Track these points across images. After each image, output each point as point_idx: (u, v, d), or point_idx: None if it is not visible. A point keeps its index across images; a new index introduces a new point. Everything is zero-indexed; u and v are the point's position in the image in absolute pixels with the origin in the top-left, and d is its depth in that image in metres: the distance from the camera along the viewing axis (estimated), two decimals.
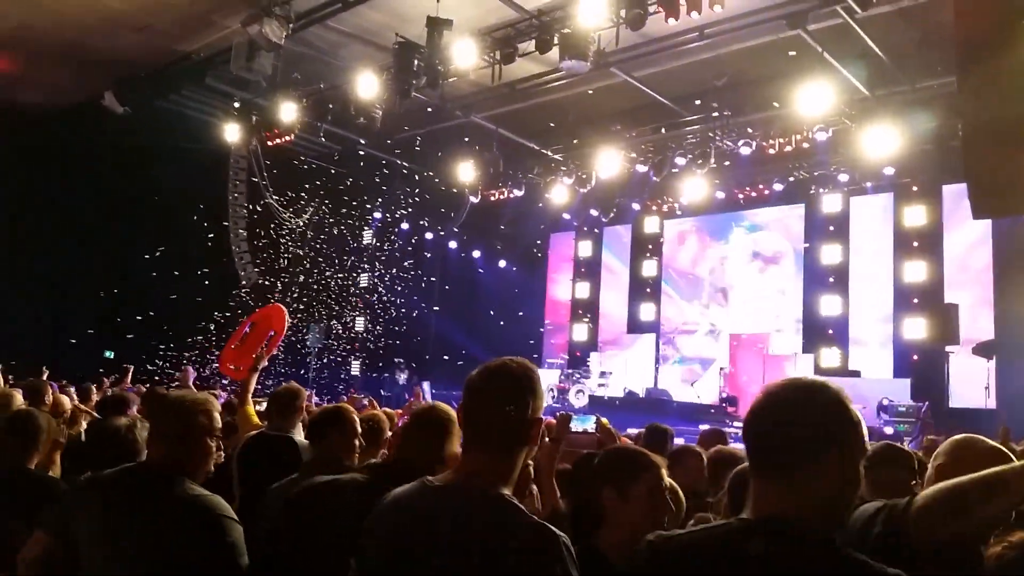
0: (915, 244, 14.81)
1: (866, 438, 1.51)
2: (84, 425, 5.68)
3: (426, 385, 15.24)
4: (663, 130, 13.71)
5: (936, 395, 12.98)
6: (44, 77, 13.46)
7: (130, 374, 10.75)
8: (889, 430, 12.17)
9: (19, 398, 5.06)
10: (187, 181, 13.93)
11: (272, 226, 15.95)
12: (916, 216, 14.80)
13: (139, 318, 14.17)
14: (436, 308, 19.48)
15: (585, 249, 20.29)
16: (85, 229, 14.70)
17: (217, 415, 2.46)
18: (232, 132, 13.46)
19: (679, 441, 5.43)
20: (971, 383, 13.03)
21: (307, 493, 2.38)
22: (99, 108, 12.71)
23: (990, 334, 13.29)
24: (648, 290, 19.05)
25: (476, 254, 20.44)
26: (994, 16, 7.10)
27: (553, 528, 1.59)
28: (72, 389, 6.87)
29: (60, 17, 11.36)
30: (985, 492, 1.49)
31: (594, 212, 18.23)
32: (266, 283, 16.46)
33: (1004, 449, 2.00)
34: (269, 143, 13.70)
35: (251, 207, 15.62)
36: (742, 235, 17.66)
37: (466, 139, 14.43)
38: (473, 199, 15.88)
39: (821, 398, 1.48)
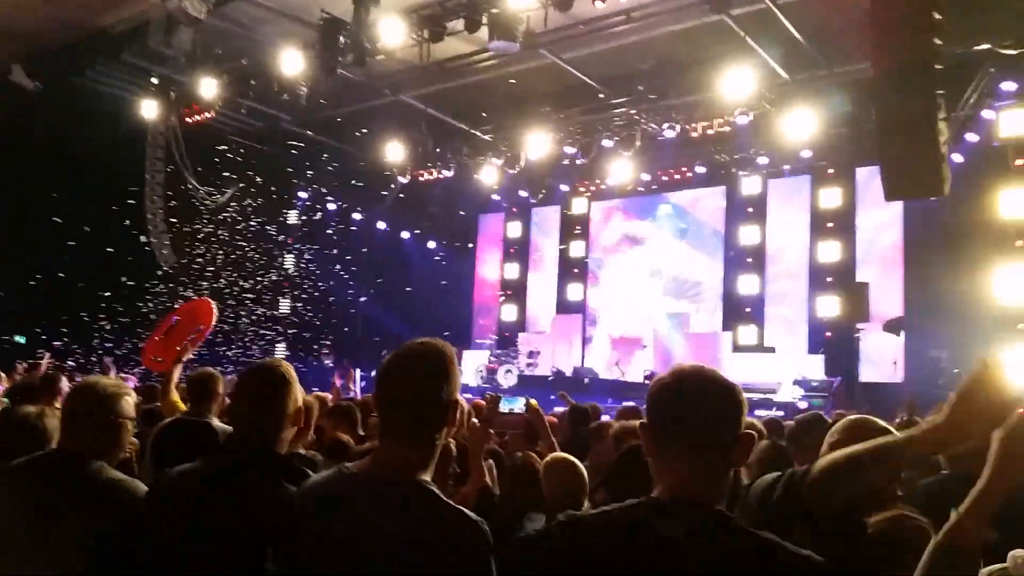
0: (829, 225, 15.40)
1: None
2: None
3: (358, 372, 15.08)
4: (591, 112, 13.84)
5: (848, 370, 13.58)
6: None
7: (45, 361, 10.32)
8: (803, 404, 12.68)
9: None
10: (103, 160, 13.39)
11: (192, 207, 15.47)
12: (831, 198, 15.37)
13: (51, 303, 13.63)
14: (365, 292, 19.28)
15: (514, 230, 20.38)
16: None
17: (132, 401, 2.43)
18: (150, 109, 12.99)
19: (605, 419, 5.57)
20: (881, 359, 13.70)
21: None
22: (6, 83, 12.08)
23: (899, 311, 13.97)
24: (576, 271, 19.28)
25: (405, 235, 20.28)
26: (910, 4, 7.42)
27: (472, 514, 1.61)
28: None
29: None
30: (875, 459, 1.58)
31: (523, 193, 18.31)
32: (185, 265, 16.00)
33: (891, 429, 2.13)
34: (188, 120, 13.28)
35: (169, 187, 15.11)
36: (665, 216, 18.02)
37: (394, 118, 14.27)
38: (402, 179, 15.75)
39: (726, 383, 1.56)
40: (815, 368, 14.24)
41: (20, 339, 14.49)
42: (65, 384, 5.62)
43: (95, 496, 2.19)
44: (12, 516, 2.20)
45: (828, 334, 14.83)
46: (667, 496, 1.49)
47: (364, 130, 15.01)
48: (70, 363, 12.90)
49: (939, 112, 7.47)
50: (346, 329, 18.77)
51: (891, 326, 13.35)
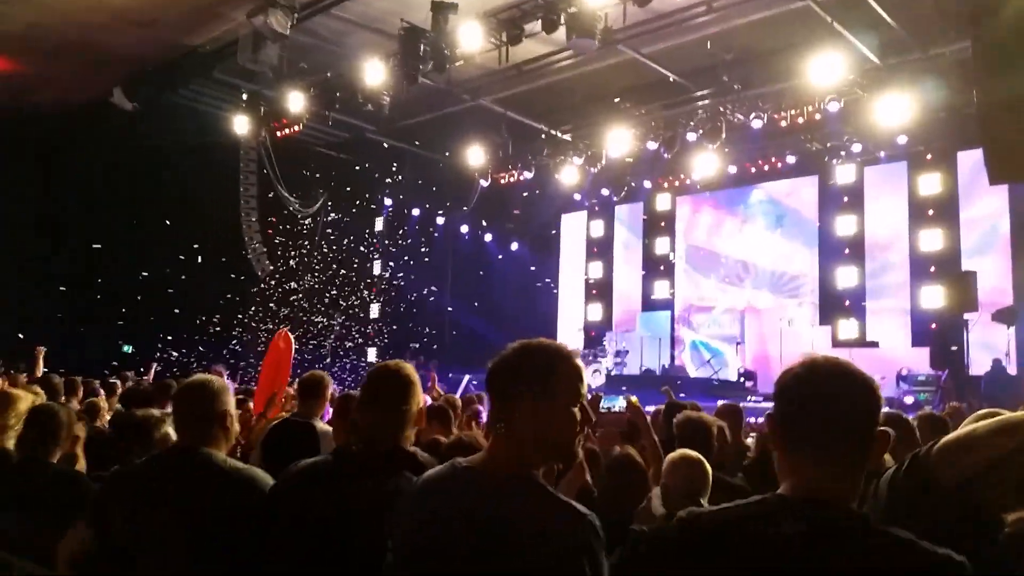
0: (930, 212, 14.67)
1: None
2: (107, 418, 5.77)
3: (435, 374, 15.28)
4: (673, 106, 13.60)
5: (956, 363, 12.90)
6: (53, 77, 13.50)
7: (153, 369, 10.84)
8: (909, 399, 12.14)
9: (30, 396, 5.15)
10: (198, 175, 14.01)
11: (284, 217, 16.01)
12: (931, 184, 14.65)
13: (151, 316, 14.32)
14: (450, 295, 19.53)
15: (597, 228, 20.23)
16: (100, 226, 14.83)
17: (233, 398, 2.54)
18: (241, 124, 13.47)
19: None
20: (991, 350, 12.96)
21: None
22: (108, 105, 12.75)
23: (1009, 300, 13.19)
24: (662, 267, 18.99)
25: (488, 238, 20.43)
26: None
27: (583, 508, 1.60)
28: (97, 383, 6.94)
29: (67, 16, 11.37)
30: (993, 432, 1.63)
31: (605, 191, 18.16)
32: (279, 274, 16.56)
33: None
34: (278, 134, 13.71)
35: (262, 199, 15.67)
36: (755, 209, 17.55)
37: (474, 123, 14.39)
38: (483, 183, 15.85)
39: (863, 379, 1.50)
40: (921, 362, 13.58)
41: (127, 348, 15.31)
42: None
43: (215, 483, 2.29)
44: (132, 513, 2.31)
45: (933, 326, 14.14)
46: (793, 493, 1.44)
47: (446, 137, 15.18)
48: (175, 371, 13.49)
49: None
50: (433, 332, 19.03)
51: (1001, 316, 12.59)
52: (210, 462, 2.34)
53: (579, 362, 1.72)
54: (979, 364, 12.95)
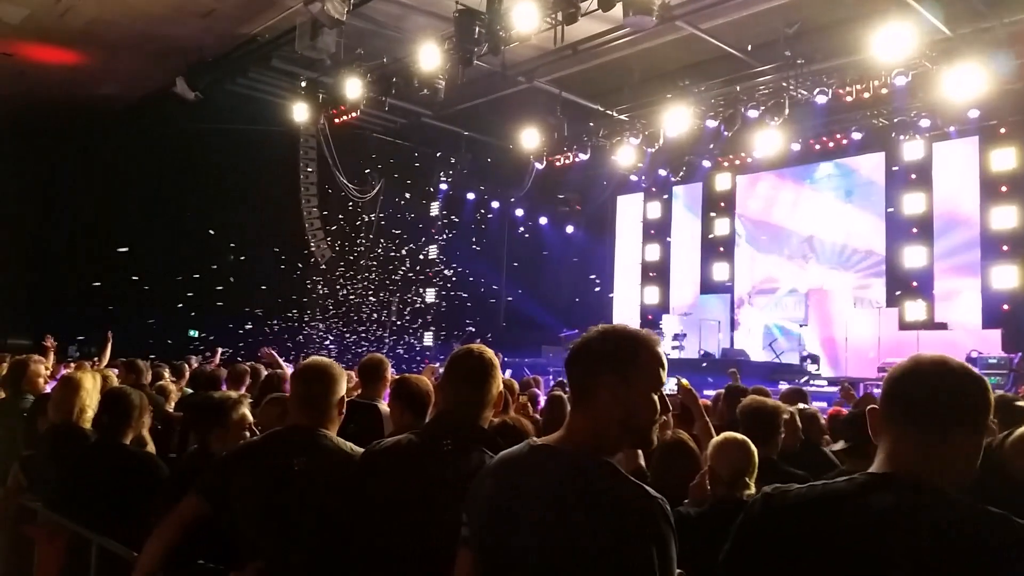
0: (1003, 188, 14.09)
1: None
2: (175, 401, 5.93)
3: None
4: (733, 83, 13.28)
5: None
6: (118, 69, 13.88)
7: (219, 353, 11.07)
8: None
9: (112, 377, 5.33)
10: (259, 163, 14.27)
11: (343, 204, 16.21)
12: (1004, 159, 14.07)
13: (217, 302, 14.66)
14: (506, 278, 19.54)
15: (654, 210, 19.98)
16: (166, 214, 15.24)
17: (344, 383, 2.64)
18: (300, 112, 13.64)
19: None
20: None
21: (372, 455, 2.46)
22: (172, 96, 13.05)
23: None
24: (721, 249, 18.67)
25: (543, 221, 20.36)
26: None
27: (654, 492, 1.60)
28: (165, 369, 7.13)
29: (129, 9, 11.67)
30: None
31: (663, 172, 17.90)
32: (341, 261, 16.79)
33: None
34: (336, 120, 13.84)
35: (322, 186, 15.90)
36: (823, 183, 17.09)
37: (529, 104, 14.30)
38: (538, 165, 15.77)
39: (974, 374, 1.53)
40: (992, 344, 13.09)
41: (194, 333, 15.74)
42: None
43: (328, 460, 2.44)
44: (254, 484, 2.45)
45: (1005, 307, 13.61)
46: (884, 469, 1.48)
47: (501, 119, 15.12)
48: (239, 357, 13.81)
49: None
50: (488, 316, 19.09)
51: None
52: (327, 442, 2.48)
53: (660, 349, 1.72)
54: None
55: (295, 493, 2.38)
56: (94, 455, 3.46)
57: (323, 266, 16.10)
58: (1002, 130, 13.94)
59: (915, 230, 15.34)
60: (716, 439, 3.06)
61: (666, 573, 1.52)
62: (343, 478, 2.38)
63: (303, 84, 13.55)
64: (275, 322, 15.39)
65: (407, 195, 17.62)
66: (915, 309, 15.01)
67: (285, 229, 15.64)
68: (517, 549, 1.62)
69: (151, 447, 3.90)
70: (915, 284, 15.20)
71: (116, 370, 6.40)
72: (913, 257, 15.29)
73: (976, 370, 1.55)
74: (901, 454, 1.48)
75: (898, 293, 15.43)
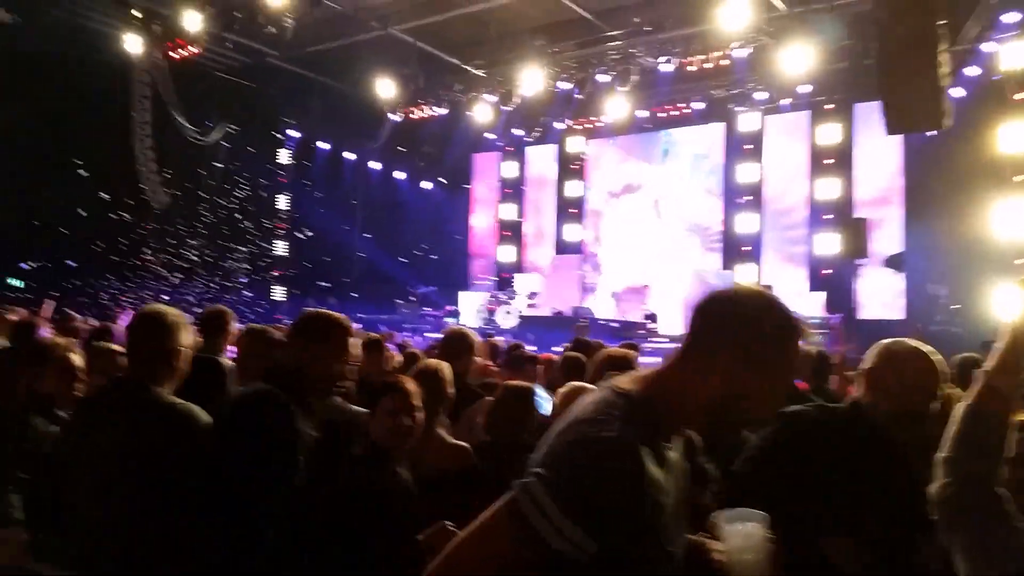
0: (828, 161, 15.18)
1: None
2: None
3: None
4: (586, 46, 13.49)
5: (848, 307, 13.53)
6: None
7: (49, 307, 10.19)
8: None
9: None
10: (87, 97, 13.10)
11: (181, 145, 15.21)
12: (830, 134, 15.13)
13: (39, 248, 13.50)
14: (360, 232, 19.16)
15: (510, 169, 20.14)
16: None
17: (183, 334, 2.48)
18: (133, 43, 12.64)
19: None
20: (881, 295, 13.65)
21: None
22: None
23: (899, 248, 13.86)
24: (573, 210, 19.10)
25: (399, 175, 20.06)
26: None
27: None
28: None
29: None
30: None
31: (518, 132, 18.02)
32: (180, 207, 15.83)
33: (921, 346, 2.16)
34: (173, 55, 12.95)
35: (157, 126, 14.83)
36: (667, 154, 17.76)
37: (384, 53, 13.93)
38: (394, 117, 15.46)
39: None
40: (815, 306, 14.18)
41: (16, 282, 14.42)
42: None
43: (153, 417, 2.29)
44: (77, 436, 2.37)
45: (827, 271, 14.76)
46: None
47: (355, 66, 14.65)
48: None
49: (940, 44, 7.25)
50: (341, 268, 18.68)
51: (891, 262, 13.24)
52: (153, 397, 2.33)
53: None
54: (869, 309, 13.64)
55: (114, 450, 2.25)
56: None
57: (158, 212, 15.10)
58: (830, 106, 14.95)
59: (748, 198, 16.28)
60: (563, 388, 3.15)
61: None
62: (168, 434, 2.26)
63: (137, 14, 12.55)
64: (109, 273, 14.39)
65: (254, 140, 16.77)
66: (746, 272, 16.00)
67: (117, 171, 14.53)
68: None
69: None
70: (747, 249, 16.18)
71: None
72: (745, 223, 16.24)
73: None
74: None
75: (732, 258, 16.37)
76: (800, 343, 1.40)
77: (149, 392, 2.32)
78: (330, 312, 2.58)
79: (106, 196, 14.19)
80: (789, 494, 1.99)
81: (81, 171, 13.76)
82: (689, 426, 1.47)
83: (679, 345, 1.43)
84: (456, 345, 4.21)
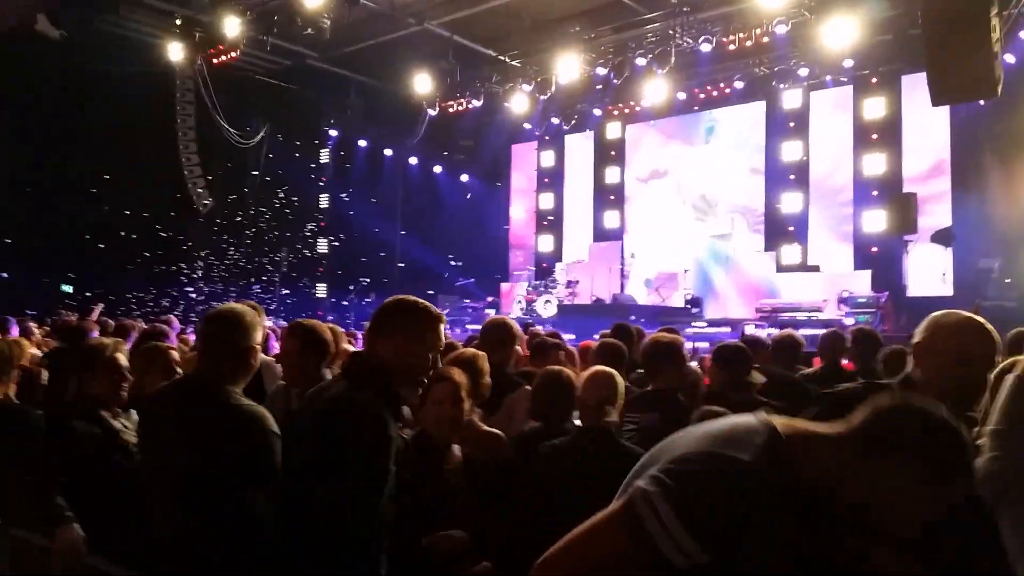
0: (874, 136, 14.86)
1: None
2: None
3: None
4: (622, 30, 13.39)
5: (895, 285, 13.27)
6: None
7: (98, 310, 10.49)
8: (850, 321, 12.47)
9: None
10: (132, 107, 13.39)
11: (225, 150, 15.48)
12: (875, 108, 14.79)
13: (89, 255, 13.80)
14: (400, 228, 19.29)
15: (548, 159, 20.07)
16: (31, 162, 14.15)
17: (258, 333, 2.49)
18: (175, 51, 12.87)
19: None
20: (929, 271, 13.35)
21: None
22: (33, 33, 12.03)
23: (948, 223, 13.53)
24: (612, 197, 18.99)
25: (437, 169, 20.14)
26: None
27: None
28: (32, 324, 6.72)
29: None
30: None
31: (555, 120, 17.97)
32: (224, 210, 16.12)
33: (974, 317, 2.09)
34: (214, 61, 13.16)
35: (200, 131, 15.10)
36: (706, 136, 17.55)
37: (420, 48, 13.99)
38: (431, 112, 15.52)
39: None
40: (862, 284, 13.94)
41: (67, 288, 14.82)
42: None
43: (220, 418, 2.30)
44: (145, 434, 2.48)
45: (874, 249, 14.49)
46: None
47: (391, 64, 14.74)
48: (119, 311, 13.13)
49: (992, 7, 7.06)
50: (383, 264, 18.84)
51: (939, 238, 12.92)
52: (223, 396, 2.32)
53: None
54: (918, 286, 13.35)
55: (186, 445, 2.28)
56: None
57: (201, 219, 15.37)
58: (874, 80, 14.62)
59: (792, 176, 16.02)
60: (585, 372, 3.14)
61: None
62: (232, 436, 2.26)
63: (178, 22, 12.78)
64: (157, 276, 14.71)
65: (295, 142, 16.99)
66: (790, 253, 15.75)
67: (163, 178, 14.82)
68: None
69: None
70: (791, 229, 15.94)
71: None
72: (790, 203, 15.99)
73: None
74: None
75: (775, 238, 16.14)
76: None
77: (219, 392, 2.32)
78: (418, 299, 2.41)
79: (153, 202, 14.47)
80: None
81: (93, 189, 13.95)
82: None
83: (853, 428, 1.41)
84: (497, 335, 4.17)
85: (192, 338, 6.44)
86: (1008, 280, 11.73)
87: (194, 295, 15.17)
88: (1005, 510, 1.35)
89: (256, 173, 16.61)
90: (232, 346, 2.38)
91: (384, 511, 2.09)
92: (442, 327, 2.35)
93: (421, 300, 2.39)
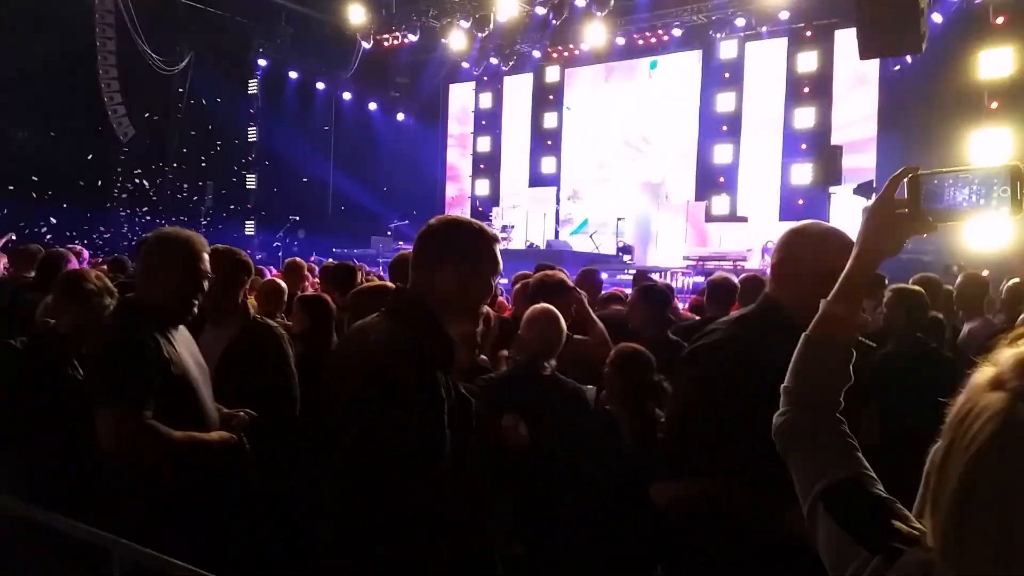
0: (806, 90, 15.08)
1: None
2: None
3: None
4: None
5: None
6: None
7: (7, 239, 10.00)
8: None
9: None
10: (48, 26, 12.62)
11: (147, 76, 14.77)
12: (808, 62, 14.98)
13: (11, 186, 13.16)
14: (333, 165, 18.85)
15: (485, 100, 19.79)
16: None
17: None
18: None
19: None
20: (852, 223, 13.72)
21: None
22: None
23: (873, 176, 13.89)
24: (549, 142, 18.89)
25: (372, 106, 19.68)
26: None
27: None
28: None
29: None
30: None
31: (494, 61, 17.68)
32: (146, 140, 15.47)
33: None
34: None
35: (122, 56, 14.36)
36: (644, 83, 17.52)
37: None
38: (365, 44, 15.08)
39: None
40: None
41: None
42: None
43: None
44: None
45: (800, 201, 14.81)
46: None
47: None
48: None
49: None
50: (314, 201, 18.44)
51: (862, 190, 13.27)
52: None
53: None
54: None
55: None
56: None
57: (125, 147, 14.74)
58: (808, 33, 14.77)
59: (725, 127, 16.18)
60: (528, 312, 3.12)
61: None
62: None
63: None
64: (71, 208, 14.09)
65: (222, 71, 16.30)
66: (720, 203, 16.01)
67: (80, 103, 14.10)
68: None
69: None
70: (722, 179, 16.16)
71: None
72: (721, 153, 16.19)
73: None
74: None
75: (706, 188, 16.35)
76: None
77: None
78: (462, 217, 2.05)
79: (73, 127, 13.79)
80: None
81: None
82: None
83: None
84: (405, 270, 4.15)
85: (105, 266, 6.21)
86: (925, 234, 12.13)
87: (112, 229, 14.62)
88: (790, 463, 1.34)
89: (180, 104, 15.92)
90: None
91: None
92: (498, 248, 1.98)
93: (471, 218, 2.05)
